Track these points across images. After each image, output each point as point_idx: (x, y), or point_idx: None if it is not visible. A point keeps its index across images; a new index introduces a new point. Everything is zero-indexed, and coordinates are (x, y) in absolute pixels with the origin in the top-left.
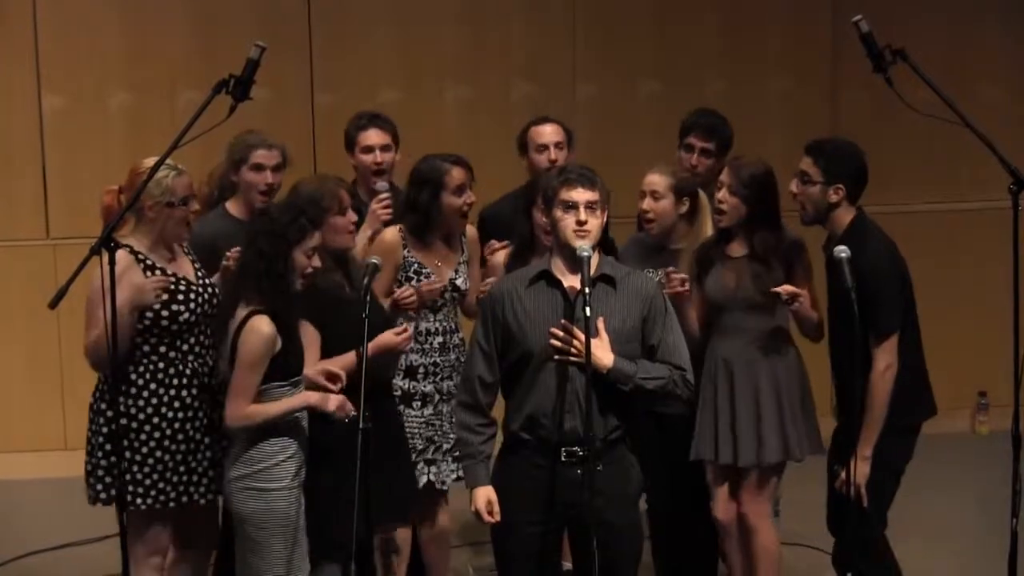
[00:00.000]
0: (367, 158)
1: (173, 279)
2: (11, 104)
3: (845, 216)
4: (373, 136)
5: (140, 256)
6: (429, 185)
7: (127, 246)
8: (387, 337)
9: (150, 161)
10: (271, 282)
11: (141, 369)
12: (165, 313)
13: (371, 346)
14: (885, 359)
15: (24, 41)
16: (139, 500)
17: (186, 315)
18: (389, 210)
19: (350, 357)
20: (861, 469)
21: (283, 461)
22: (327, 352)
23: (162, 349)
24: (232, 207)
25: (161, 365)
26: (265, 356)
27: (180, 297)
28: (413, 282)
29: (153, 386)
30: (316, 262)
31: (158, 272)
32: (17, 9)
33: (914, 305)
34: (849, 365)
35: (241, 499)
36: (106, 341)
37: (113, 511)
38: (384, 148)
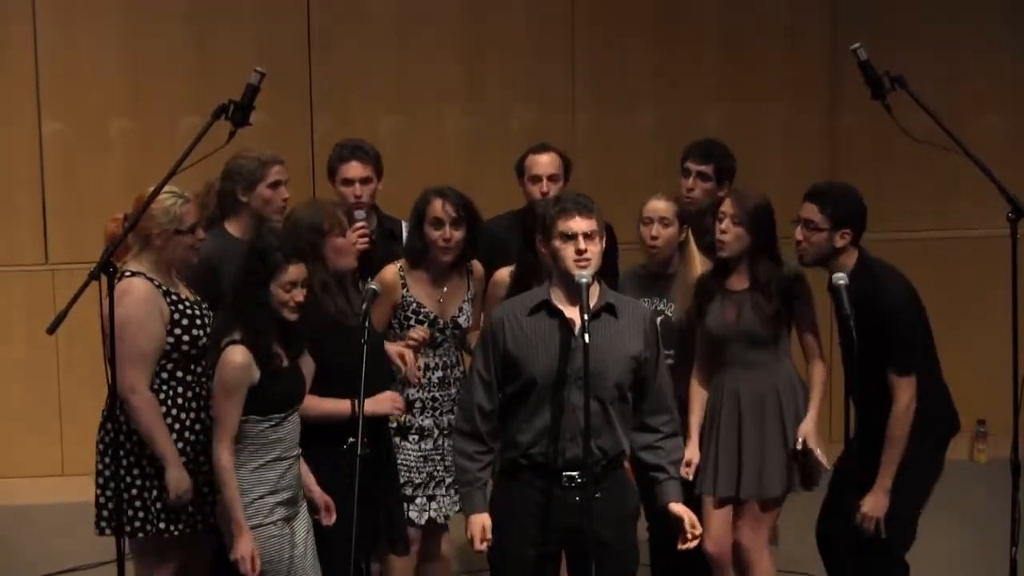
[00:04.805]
0: (347, 191)
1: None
2: (11, 128)
3: (850, 259)
4: (354, 169)
5: (156, 283)
6: (416, 214)
7: (140, 273)
8: (383, 405)
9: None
10: (248, 319)
11: (162, 396)
12: (186, 338)
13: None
14: (907, 394)
15: (25, 66)
16: (172, 527)
17: (203, 339)
18: (366, 239)
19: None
20: (880, 502)
21: (260, 497)
22: (323, 378)
23: (179, 374)
24: (232, 227)
25: (180, 389)
26: (237, 386)
27: (198, 322)
28: (412, 321)
29: (175, 411)
30: (299, 296)
31: (173, 298)
32: (18, 34)
33: (930, 329)
34: (865, 394)
35: (225, 531)
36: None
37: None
38: (364, 181)
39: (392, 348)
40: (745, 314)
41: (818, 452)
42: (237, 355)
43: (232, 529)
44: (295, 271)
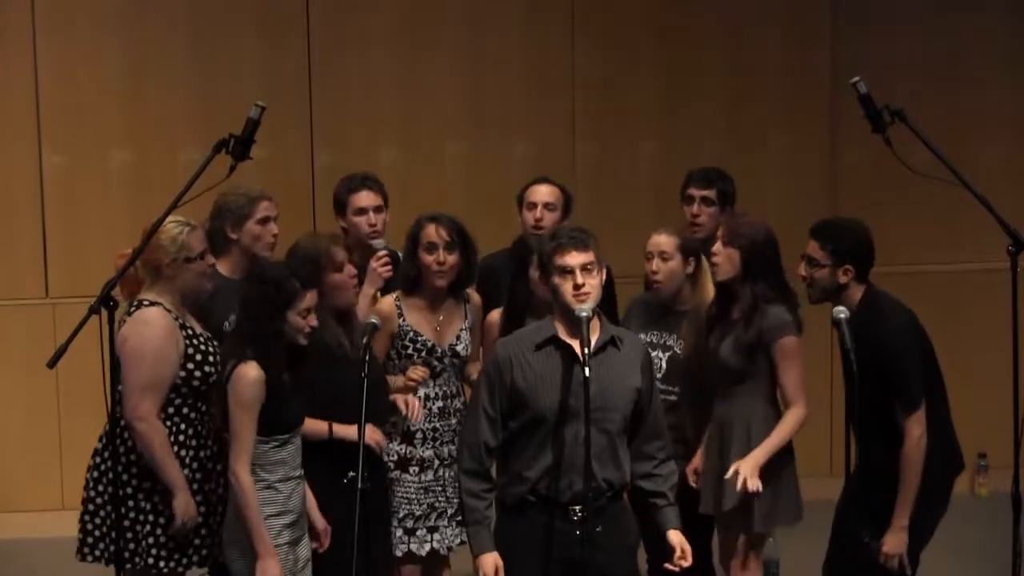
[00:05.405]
0: (361, 220)
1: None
2: (12, 162)
3: (855, 293)
4: (366, 198)
5: (173, 315)
6: (410, 240)
7: (158, 303)
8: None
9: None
10: (260, 345)
11: (164, 431)
12: (198, 374)
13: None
14: (917, 429)
15: (25, 99)
16: (162, 563)
17: (214, 376)
18: (389, 267)
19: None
20: (900, 539)
21: (268, 518)
22: (314, 406)
23: (184, 410)
24: (222, 266)
25: (183, 426)
26: (253, 400)
27: (211, 359)
28: (409, 350)
29: (175, 447)
30: (313, 321)
31: (188, 331)
32: (18, 68)
33: (938, 368)
34: (866, 430)
35: (230, 555)
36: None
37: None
38: (377, 209)
39: (396, 397)
40: (725, 344)
41: (742, 479)
42: (251, 370)
43: (258, 548)
44: (311, 297)
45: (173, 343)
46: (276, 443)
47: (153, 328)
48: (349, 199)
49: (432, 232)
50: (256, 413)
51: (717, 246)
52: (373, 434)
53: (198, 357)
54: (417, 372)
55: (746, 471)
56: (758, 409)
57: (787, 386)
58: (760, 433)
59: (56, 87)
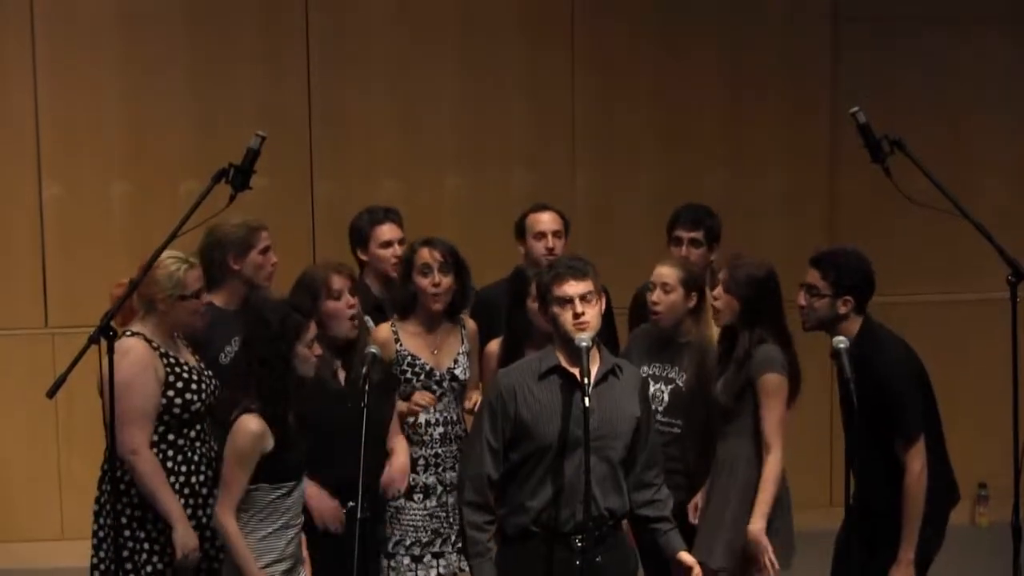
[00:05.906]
0: (387, 252)
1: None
2: (11, 192)
3: (853, 325)
4: (390, 231)
5: (154, 344)
6: (405, 264)
7: (139, 334)
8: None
9: (163, 255)
10: (272, 388)
11: (158, 463)
12: (179, 401)
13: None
14: (918, 461)
15: (25, 130)
16: None
17: (197, 404)
18: None
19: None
20: (907, 572)
21: (267, 566)
22: (312, 441)
23: (171, 437)
24: (218, 298)
25: (171, 453)
26: (250, 454)
27: (193, 387)
28: (408, 375)
29: (166, 476)
30: (318, 350)
31: (171, 360)
32: (19, 98)
33: (934, 399)
34: (865, 462)
35: None
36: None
37: None
38: (400, 242)
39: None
40: (719, 382)
41: (765, 558)
42: (252, 423)
43: None
44: (313, 327)
45: (151, 372)
46: (284, 490)
47: (129, 358)
48: (373, 232)
49: (426, 254)
50: (252, 466)
51: (718, 290)
52: (334, 518)
53: (179, 385)
54: (425, 398)
55: (763, 548)
56: (744, 450)
57: (766, 425)
58: (742, 478)
59: (56, 118)
